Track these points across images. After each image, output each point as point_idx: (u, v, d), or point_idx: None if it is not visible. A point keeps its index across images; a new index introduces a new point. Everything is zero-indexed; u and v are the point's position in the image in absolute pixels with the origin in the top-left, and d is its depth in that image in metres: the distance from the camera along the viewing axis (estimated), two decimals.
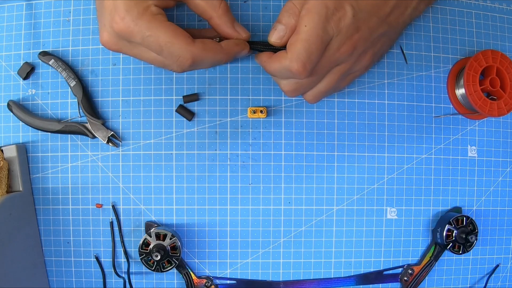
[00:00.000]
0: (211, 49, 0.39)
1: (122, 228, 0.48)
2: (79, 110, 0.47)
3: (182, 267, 0.48)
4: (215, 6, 0.40)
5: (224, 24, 0.41)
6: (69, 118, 0.48)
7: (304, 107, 0.49)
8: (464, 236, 0.48)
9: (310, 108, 0.49)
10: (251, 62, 0.49)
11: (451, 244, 0.48)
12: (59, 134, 0.48)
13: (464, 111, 0.51)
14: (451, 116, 0.51)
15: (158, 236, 0.45)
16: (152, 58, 0.39)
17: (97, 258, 0.48)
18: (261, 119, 0.48)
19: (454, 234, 0.48)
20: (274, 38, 0.41)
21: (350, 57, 0.42)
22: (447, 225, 0.48)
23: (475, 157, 0.51)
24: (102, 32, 0.39)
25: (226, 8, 0.41)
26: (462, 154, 0.51)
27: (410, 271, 0.50)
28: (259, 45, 0.43)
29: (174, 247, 0.45)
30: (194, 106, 0.48)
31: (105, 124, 0.48)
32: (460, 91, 0.50)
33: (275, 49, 0.42)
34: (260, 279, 0.49)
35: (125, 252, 0.48)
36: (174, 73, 0.48)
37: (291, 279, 0.50)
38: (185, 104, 0.48)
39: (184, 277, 0.48)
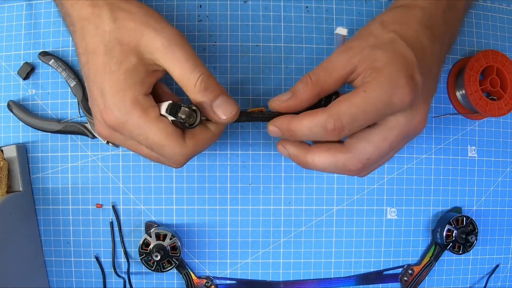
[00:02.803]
0: (203, 142, 0.37)
1: (122, 228, 0.48)
2: (79, 110, 0.47)
3: (182, 267, 0.48)
4: (190, 84, 0.35)
5: (200, 104, 0.36)
6: (69, 118, 0.48)
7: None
8: (464, 236, 0.48)
9: None
10: (251, 62, 0.49)
11: (451, 244, 0.48)
12: (59, 134, 0.48)
13: (464, 111, 0.51)
14: (451, 116, 0.51)
15: (158, 236, 0.45)
16: (146, 153, 0.37)
17: (97, 258, 0.48)
18: None
19: (454, 234, 0.48)
20: (277, 100, 0.38)
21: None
22: (447, 225, 0.48)
23: (475, 157, 0.51)
24: (95, 122, 0.37)
25: (205, 86, 0.35)
26: (462, 154, 0.51)
27: (410, 271, 0.50)
28: (253, 115, 0.39)
29: (174, 247, 0.45)
30: None
31: None
32: (460, 91, 0.50)
33: (268, 116, 0.38)
34: (260, 279, 0.49)
35: (125, 252, 0.48)
36: None
37: (291, 279, 0.50)
38: None
39: (184, 277, 0.48)
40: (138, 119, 0.34)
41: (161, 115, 0.35)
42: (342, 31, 0.39)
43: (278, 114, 0.38)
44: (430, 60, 0.37)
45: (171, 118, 0.35)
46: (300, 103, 0.37)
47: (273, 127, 0.38)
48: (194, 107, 0.35)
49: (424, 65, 0.36)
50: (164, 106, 0.35)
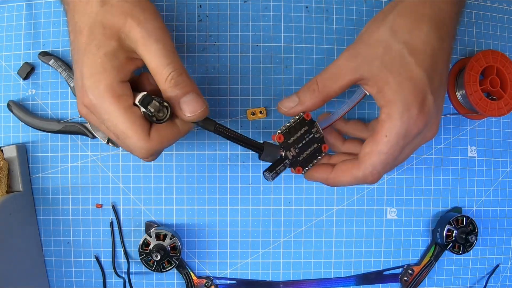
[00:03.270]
0: (168, 138, 0.36)
1: (122, 228, 0.48)
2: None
3: (182, 267, 0.48)
4: (162, 79, 0.35)
5: (169, 99, 0.35)
6: (69, 118, 0.48)
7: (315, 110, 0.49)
8: (464, 236, 0.48)
9: None
10: (251, 62, 0.49)
11: (451, 244, 0.48)
12: (59, 134, 0.48)
13: (464, 111, 0.51)
14: (451, 116, 0.51)
15: (158, 236, 0.45)
16: (115, 140, 0.37)
17: (97, 258, 0.48)
18: (261, 119, 0.48)
19: (454, 234, 0.48)
20: (284, 106, 0.40)
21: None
22: (447, 225, 0.48)
23: (475, 157, 0.51)
24: (77, 100, 0.37)
25: (175, 82, 0.35)
26: (462, 154, 0.51)
27: (410, 271, 0.50)
28: (225, 131, 0.38)
29: (174, 247, 0.45)
30: None
31: None
32: (460, 91, 0.50)
33: (241, 140, 0.39)
34: (260, 279, 0.49)
35: (125, 252, 0.48)
36: None
37: (291, 279, 0.50)
38: None
39: (184, 277, 0.48)
40: (109, 105, 0.34)
41: (135, 104, 0.35)
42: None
43: (248, 140, 0.39)
44: (440, 63, 0.37)
45: (142, 109, 0.35)
46: (306, 109, 0.40)
47: (311, 180, 0.42)
48: (165, 103, 0.35)
49: (436, 77, 0.37)
50: (139, 96, 0.35)
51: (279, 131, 0.40)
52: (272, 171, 0.39)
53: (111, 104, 0.34)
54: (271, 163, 0.40)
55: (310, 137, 0.41)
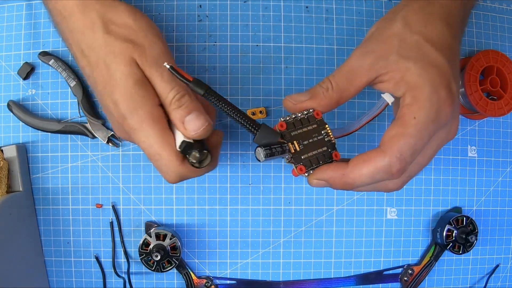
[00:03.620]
0: (198, 170, 0.37)
1: (122, 228, 0.48)
2: (79, 110, 0.47)
3: (182, 267, 0.48)
4: (167, 102, 0.36)
5: (174, 119, 0.36)
6: (69, 118, 0.48)
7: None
8: (464, 236, 0.48)
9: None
10: (251, 62, 0.49)
11: (451, 244, 0.48)
12: (59, 134, 0.48)
13: (464, 111, 0.51)
14: None
15: (158, 236, 0.45)
16: (150, 160, 0.38)
17: (97, 258, 0.48)
18: (261, 119, 0.48)
19: (454, 234, 0.48)
20: (292, 99, 0.36)
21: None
22: (447, 225, 0.48)
23: (475, 157, 0.51)
24: (113, 125, 0.39)
25: (179, 104, 0.35)
26: (462, 154, 0.51)
27: (410, 271, 0.50)
28: (219, 98, 0.34)
29: (174, 247, 0.45)
30: None
31: (105, 124, 0.48)
32: (460, 91, 0.50)
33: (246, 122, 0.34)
34: (260, 279, 0.49)
35: (125, 252, 0.48)
36: None
37: (291, 279, 0.50)
38: None
39: (184, 277, 0.48)
40: (148, 128, 0.35)
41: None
42: (389, 98, 0.36)
43: (244, 115, 0.34)
44: (456, 60, 0.36)
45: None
46: (317, 107, 0.36)
47: (318, 181, 0.35)
48: (205, 151, 0.35)
49: (455, 68, 0.35)
50: (179, 140, 0.35)
51: (282, 119, 0.35)
52: (266, 148, 0.33)
53: (150, 127, 0.35)
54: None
55: (318, 138, 0.36)
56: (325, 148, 0.36)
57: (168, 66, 0.33)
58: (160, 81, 0.35)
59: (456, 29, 0.37)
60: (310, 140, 0.36)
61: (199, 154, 0.35)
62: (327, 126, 0.37)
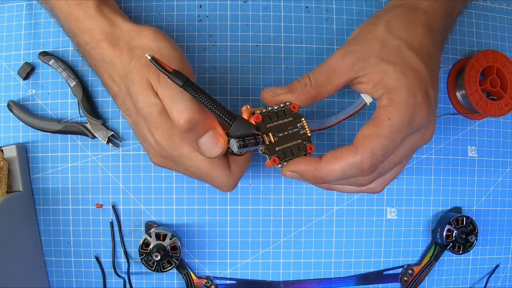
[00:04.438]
0: (246, 165, 0.38)
1: (122, 228, 0.48)
2: (79, 110, 0.47)
3: (182, 267, 0.48)
4: (177, 123, 0.34)
5: (188, 142, 0.36)
6: (69, 118, 0.48)
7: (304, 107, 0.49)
8: (464, 236, 0.48)
9: (310, 108, 0.49)
10: (251, 62, 0.49)
11: (451, 244, 0.48)
12: (59, 134, 0.48)
13: (464, 111, 0.51)
14: (451, 116, 0.51)
15: (158, 236, 0.45)
16: (200, 179, 0.39)
17: (97, 258, 0.48)
18: None
19: (454, 234, 0.48)
20: (270, 91, 0.37)
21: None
22: (447, 225, 0.48)
23: (475, 157, 0.51)
24: (149, 154, 0.39)
25: (190, 126, 0.34)
26: (462, 154, 0.51)
27: (410, 271, 0.50)
28: (197, 90, 0.33)
29: (174, 247, 0.45)
30: None
31: (105, 124, 0.48)
32: (460, 91, 0.50)
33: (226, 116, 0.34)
34: (260, 279, 0.49)
35: (125, 252, 0.48)
36: None
37: (291, 279, 0.50)
38: None
39: (184, 277, 0.48)
40: (189, 152, 0.35)
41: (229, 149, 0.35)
42: (367, 98, 0.37)
43: (220, 107, 0.34)
44: (436, 67, 0.37)
45: (233, 150, 0.35)
46: (294, 101, 0.37)
47: (292, 173, 0.36)
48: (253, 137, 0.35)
49: (434, 75, 0.36)
50: (235, 145, 0.34)
51: (258, 111, 0.36)
52: (240, 139, 0.34)
53: (190, 150, 0.35)
54: None
55: (294, 130, 0.37)
56: (299, 141, 0.37)
57: (149, 57, 0.32)
58: (168, 101, 0.34)
59: (438, 36, 0.37)
60: (285, 133, 0.37)
61: (251, 142, 0.34)
62: (303, 119, 0.38)
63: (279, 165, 0.36)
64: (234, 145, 0.34)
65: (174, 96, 0.34)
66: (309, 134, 0.38)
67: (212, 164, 0.36)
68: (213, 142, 0.34)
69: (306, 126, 0.38)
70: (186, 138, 0.35)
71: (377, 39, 0.36)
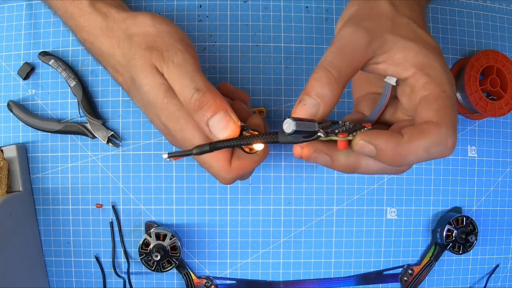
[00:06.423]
0: (249, 165, 0.37)
1: (122, 228, 0.48)
2: (79, 110, 0.47)
3: (182, 267, 0.48)
4: (186, 100, 0.34)
5: (198, 122, 0.35)
6: (69, 118, 0.48)
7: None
8: (464, 236, 0.48)
9: None
10: (251, 62, 0.49)
11: (451, 244, 0.48)
12: (59, 134, 0.48)
13: (464, 111, 0.51)
14: None
15: (158, 236, 0.45)
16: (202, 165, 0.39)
17: (97, 258, 0.48)
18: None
19: (454, 234, 0.48)
20: (304, 115, 0.30)
21: None
22: (447, 225, 0.48)
23: (475, 157, 0.51)
24: (166, 137, 0.39)
25: (200, 103, 0.33)
26: (462, 154, 0.51)
27: (410, 271, 0.50)
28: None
29: (174, 247, 0.45)
30: None
31: (105, 124, 0.48)
32: (460, 91, 0.50)
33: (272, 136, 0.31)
34: (260, 279, 0.49)
35: (125, 252, 0.48)
36: None
37: (291, 279, 0.50)
38: None
39: (184, 277, 0.48)
40: (191, 137, 0.35)
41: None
42: (391, 80, 0.34)
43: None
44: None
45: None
46: (331, 106, 0.31)
47: (365, 145, 0.30)
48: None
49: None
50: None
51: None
52: (296, 119, 0.29)
53: (193, 137, 0.35)
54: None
55: (343, 128, 0.33)
56: (352, 125, 0.33)
57: (168, 159, 0.33)
58: (176, 79, 0.34)
59: (425, 17, 0.37)
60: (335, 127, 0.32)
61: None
62: (340, 121, 0.34)
63: (350, 136, 0.31)
64: (290, 124, 0.28)
65: (183, 73, 0.34)
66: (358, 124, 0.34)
67: (212, 153, 0.35)
68: (224, 122, 0.33)
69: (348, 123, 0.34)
70: (195, 118, 0.34)
71: (386, 16, 0.33)
